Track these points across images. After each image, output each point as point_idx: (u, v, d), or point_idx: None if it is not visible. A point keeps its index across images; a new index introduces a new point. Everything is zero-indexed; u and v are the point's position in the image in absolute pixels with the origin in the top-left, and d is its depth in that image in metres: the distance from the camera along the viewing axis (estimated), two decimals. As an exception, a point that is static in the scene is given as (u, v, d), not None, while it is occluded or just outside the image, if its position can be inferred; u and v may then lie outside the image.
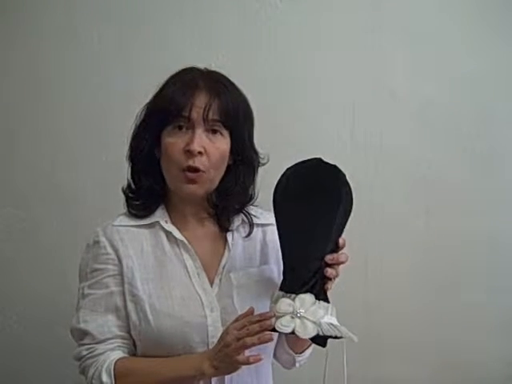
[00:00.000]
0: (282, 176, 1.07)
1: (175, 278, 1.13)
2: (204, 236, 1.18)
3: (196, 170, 1.10)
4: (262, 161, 1.21)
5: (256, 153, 1.19)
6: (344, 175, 1.06)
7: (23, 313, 1.73)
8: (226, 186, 1.16)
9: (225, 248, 1.17)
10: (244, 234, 1.20)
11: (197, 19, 1.69)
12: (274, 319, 0.98)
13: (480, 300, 1.72)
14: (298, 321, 0.97)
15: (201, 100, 1.09)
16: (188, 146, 1.09)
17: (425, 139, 1.71)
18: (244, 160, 1.17)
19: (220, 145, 1.12)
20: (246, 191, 1.19)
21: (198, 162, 1.09)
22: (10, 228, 1.72)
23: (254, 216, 1.21)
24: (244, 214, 1.20)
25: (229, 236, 1.18)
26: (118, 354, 1.11)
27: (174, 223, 1.17)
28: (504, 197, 1.73)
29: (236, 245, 1.18)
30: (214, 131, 1.11)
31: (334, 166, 1.06)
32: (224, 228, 1.19)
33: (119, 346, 1.12)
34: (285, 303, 0.99)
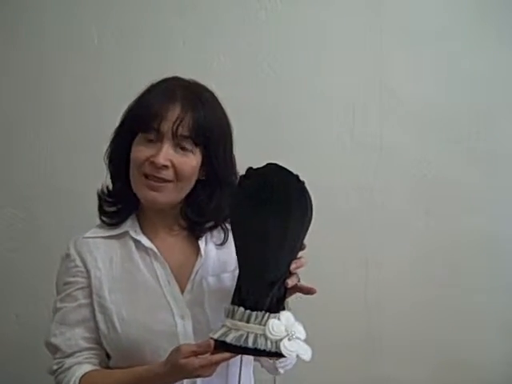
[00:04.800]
0: (238, 183, 1.04)
1: (144, 288, 1.11)
2: (175, 244, 1.16)
3: (160, 179, 1.08)
4: (219, 183, 1.15)
5: (235, 173, 1.15)
6: (303, 183, 1.01)
7: (23, 313, 1.73)
8: (199, 201, 1.14)
9: (197, 254, 1.14)
10: (218, 242, 1.17)
11: (197, 19, 1.69)
12: (269, 342, 0.93)
13: (480, 300, 1.72)
14: (295, 343, 0.94)
15: (173, 114, 1.06)
16: (153, 158, 1.06)
17: (425, 139, 1.71)
18: (219, 178, 1.14)
19: (189, 161, 1.09)
20: (221, 209, 1.15)
21: (164, 174, 1.08)
22: (10, 228, 1.72)
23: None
24: (220, 227, 1.17)
25: (201, 243, 1.15)
26: (86, 368, 1.09)
27: (144, 233, 1.15)
28: (504, 197, 1.73)
29: (209, 250, 1.15)
30: (184, 148, 1.08)
31: (293, 174, 1.01)
32: (196, 236, 1.16)
33: (87, 359, 1.11)
34: (277, 325, 0.94)
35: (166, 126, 1.06)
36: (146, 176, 1.08)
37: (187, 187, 1.12)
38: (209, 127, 1.09)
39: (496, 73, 1.72)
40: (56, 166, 1.71)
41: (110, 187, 1.18)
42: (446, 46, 1.72)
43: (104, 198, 1.17)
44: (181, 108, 1.07)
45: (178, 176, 1.08)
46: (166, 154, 1.06)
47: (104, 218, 1.17)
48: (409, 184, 1.72)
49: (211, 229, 1.17)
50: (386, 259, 1.71)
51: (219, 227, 1.17)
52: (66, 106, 1.71)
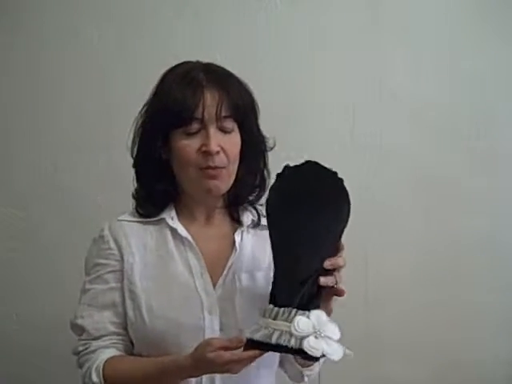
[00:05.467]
0: (275, 183, 1.04)
1: (177, 278, 1.10)
2: (211, 235, 1.15)
3: (216, 168, 1.08)
4: (268, 144, 1.18)
5: (262, 136, 1.17)
6: (341, 180, 1.01)
7: (23, 313, 1.73)
8: (241, 176, 1.14)
9: (232, 248, 1.13)
10: (254, 235, 1.16)
11: (197, 19, 1.69)
12: (293, 339, 0.90)
13: (480, 299, 1.72)
14: (323, 342, 0.90)
15: (212, 99, 1.06)
16: (205, 147, 1.06)
17: (425, 139, 1.71)
18: (257, 149, 1.15)
19: (235, 140, 1.10)
20: (256, 177, 1.16)
21: (218, 161, 1.07)
22: (10, 228, 1.72)
23: (264, 216, 1.17)
24: (255, 209, 1.18)
25: (237, 236, 1.14)
26: (111, 352, 1.09)
27: (180, 221, 1.14)
28: (504, 197, 1.73)
29: (244, 246, 1.14)
30: (225, 129, 1.09)
31: (331, 171, 1.01)
32: (233, 220, 1.16)
33: (114, 343, 1.11)
34: (303, 322, 0.91)
35: (208, 113, 1.06)
36: (202, 169, 1.07)
37: (236, 167, 1.12)
38: (244, 102, 1.10)
39: (496, 73, 1.72)
40: (56, 166, 1.71)
41: (143, 190, 1.15)
42: (446, 46, 1.71)
43: (141, 200, 1.15)
44: (217, 91, 1.07)
45: (230, 158, 1.09)
46: (216, 139, 1.06)
47: (141, 211, 1.15)
48: (409, 184, 1.72)
49: (249, 203, 1.17)
50: (386, 259, 1.71)
51: (255, 221, 1.16)
52: (66, 106, 1.71)
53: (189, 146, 1.07)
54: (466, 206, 1.72)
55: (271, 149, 1.19)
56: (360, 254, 1.69)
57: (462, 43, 1.71)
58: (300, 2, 1.71)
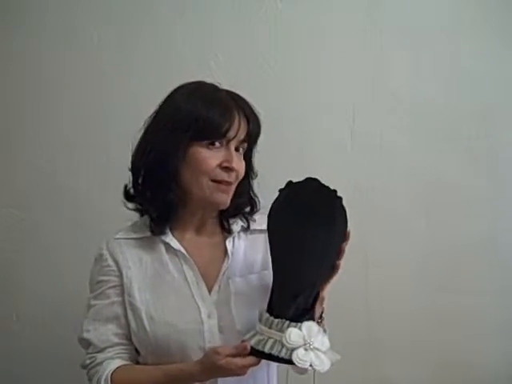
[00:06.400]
0: (277, 199, 1.07)
1: (173, 288, 1.15)
2: (203, 244, 1.20)
3: (229, 183, 1.14)
4: (253, 175, 1.25)
5: (253, 165, 1.24)
6: (340, 199, 1.05)
7: (23, 313, 1.73)
8: (236, 194, 1.19)
9: (225, 255, 1.18)
10: (245, 240, 1.21)
11: (197, 19, 1.69)
12: (284, 349, 0.96)
13: (480, 301, 1.71)
14: (312, 354, 0.96)
15: (238, 121, 1.13)
16: (228, 164, 1.12)
17: (425, 139, 1.71)
18: (252, 170, 1.24)
19: (242, 161, 1.17)
20: (248, 195, 1.23)
21: (232, 177, 1.14)
22: (10, 228, 1.73)
23: (254, 221, 1.23)
24: (245, 218, 1.22)
25: (228, 243, 1.19)
26: (117, 363, 1.14)
27: (173, 233, 1.19)
28: (504, 197, 1.73)
29: (236, 251, 1.19)
30: (238, 150, 1.16)
31: (330, 190, 1.05)
32: (223, 229, 1.21)
33: (118, 354, 1.16)
34: (294, 333, 0.97)
35: (234, 133, 1.12)
36: (217, 181, 1.13)
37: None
38: (257, 132, 1.18)
39: (496, 73, 1.72)
40: (56, 166, 1.72)
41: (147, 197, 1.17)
42: (446, 46, 1.71)
43: (156, 214, 1.17)
44: (243, 115, 1.14)
45: (238, 178, 1.16)
46: (237, 158, 1.14)
47: (155, 228, 1.17)
48: (409, 184, 1.72)
49: (235, 215, 1.22)
50: (386, 259, 1.71)
51: (244, 227, 1.22)
52: (65, 106, 1.71)
53: (211, 158, 1.12)
54: (466, 206, 1.71)
55: (256, 177, 1.25)
56: (359, 253, 1.69)
57: (462, 43, 1.71)
58: (300, 1, 1.71)
